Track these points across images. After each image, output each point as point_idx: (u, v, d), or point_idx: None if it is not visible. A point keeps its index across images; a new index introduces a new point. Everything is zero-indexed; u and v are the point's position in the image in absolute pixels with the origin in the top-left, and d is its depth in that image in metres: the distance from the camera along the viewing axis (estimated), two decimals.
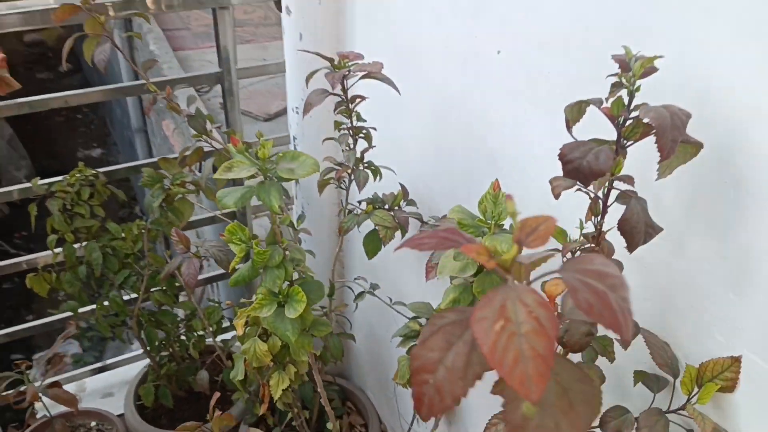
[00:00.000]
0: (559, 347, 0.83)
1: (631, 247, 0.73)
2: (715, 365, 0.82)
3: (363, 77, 1.09)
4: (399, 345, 1.42)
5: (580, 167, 0.68)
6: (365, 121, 1.22)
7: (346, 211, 1.36)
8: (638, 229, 0.71)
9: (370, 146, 1.25)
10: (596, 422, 0.90)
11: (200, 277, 2.16)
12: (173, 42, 5.29)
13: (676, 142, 0.64)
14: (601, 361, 0.93)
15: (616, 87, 0.69)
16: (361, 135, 1.23)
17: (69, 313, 1.87)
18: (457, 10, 1.13)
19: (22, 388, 1.69)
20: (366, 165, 1.28)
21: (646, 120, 0.65)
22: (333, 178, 1.30)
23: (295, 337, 1.09)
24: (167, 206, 1.60)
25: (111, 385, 2.19)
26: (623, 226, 0.72)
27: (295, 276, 1.18)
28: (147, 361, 1.93)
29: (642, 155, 0.75)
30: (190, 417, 1.63)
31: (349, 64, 1.08)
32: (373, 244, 1.34)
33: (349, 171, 1.27)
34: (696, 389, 0.84)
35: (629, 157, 0.77)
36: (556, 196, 0.77)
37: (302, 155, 1.04)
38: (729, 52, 0.72)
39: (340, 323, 1.78)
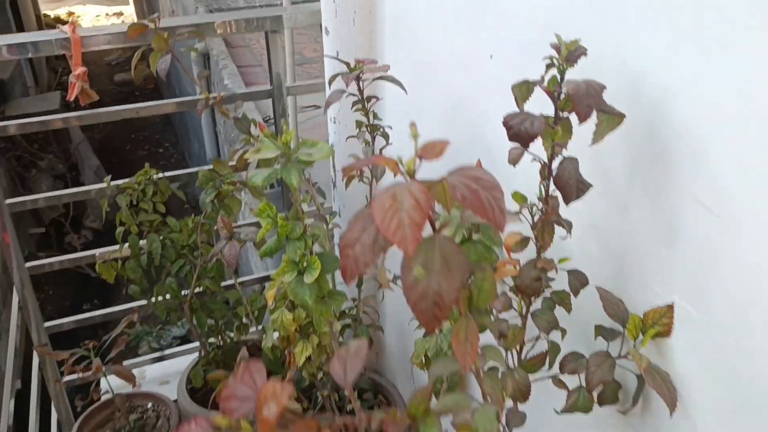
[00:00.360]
0: (519, 294, 0.98)
1: (566, 200, 0.87)
2: (654, 314, 0.95)
3: (375, 79, 1.27)
4: (416, 329, 1.57)
5: (519, 132, 0.83)
6: (381, 120, 1.40)
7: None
8: (570, 184, 0.86)
9: (387, 143, 1.43)
10: (556, 367, 1.03)
11: (256, 275, 2.37)
12: (246, 77, 5.64)
13: (591, 107, 0.79)
14: (570, 317, 1.07)
15: (549, 67, 0.85)
16: (379, 132, 1.41)
17: (132, 305, 2.11)
18: (460, 23, 1.31)
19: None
20: None
21: (569, 91, 0.80)
22: (356, 174, 1.48)
23: (311, 300, 1.27)
24: (219, 203, 1.82)
25: (168, 374, 2.40)
26: (557, 182, 0.86)
27: (318, 250, 1.35)
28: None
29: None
30: None
31: (363, 67, 1.26)
32: None
33: (369, 166, 1.45)
34: (641, 336, 0.96)
35: (583, 138, 0.92)
36: (512, 161, 0.92)
37: (320, 143, 1.22)
38: (649, 42, 0.87)
39: (370, 316, 1.94)
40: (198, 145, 7.54)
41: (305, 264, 1.28)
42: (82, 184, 9.13)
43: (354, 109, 1.36)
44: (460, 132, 1.39)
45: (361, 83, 1.29)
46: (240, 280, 2.17)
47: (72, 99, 1.77)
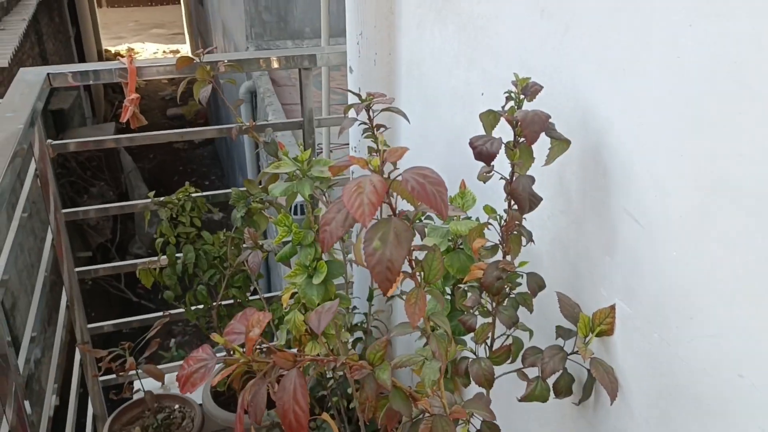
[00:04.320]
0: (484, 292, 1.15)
1: (521, 211, 1.05)
2: (600, 314, 1.11)
3: (383, 110, 1.47)
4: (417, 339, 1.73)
5: (482, 151, 1.02)
6: (389, 146, 1.59)
7: None
8: (524, 197, 1.03)
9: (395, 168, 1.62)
10: (519, 361, 1.19)
11: (279, 292, 2.56)
12: (289, 114, 5.94)
13: (537, 132, 0.97)
14: (533, 318, 1.23)
15: (508, 99, 1.04)
16: None
17: (165, 312, 2.32)
18: (459, 66, 1.51)
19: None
20: None
21: (518, 118, 0.98)
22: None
23: (318, 299, 1.45)
24: (248, 219, 2.03)
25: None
26: (513, 195, 1.04)
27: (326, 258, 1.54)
28: None
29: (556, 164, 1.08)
30: None
31: (372, 99, 1.46)
32: None
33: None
34: (590, 334, 1.12)
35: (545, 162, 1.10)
36: (482, 179, 1.10)
37: (330, 161, 1.42)
38: (594, 83, 1.05)
39: (380, 330, 2.11)
40: (243, 178, 7.90)
41: (314, 268, 1.47)
42: (132, 214, 9.57)
43: (364, 135, 1.55)
44: (458, 161, 1.58)
45: (371, 113, 1.48)
46: (266, 295, 2.37)
47: (124, 121, 2.02)
